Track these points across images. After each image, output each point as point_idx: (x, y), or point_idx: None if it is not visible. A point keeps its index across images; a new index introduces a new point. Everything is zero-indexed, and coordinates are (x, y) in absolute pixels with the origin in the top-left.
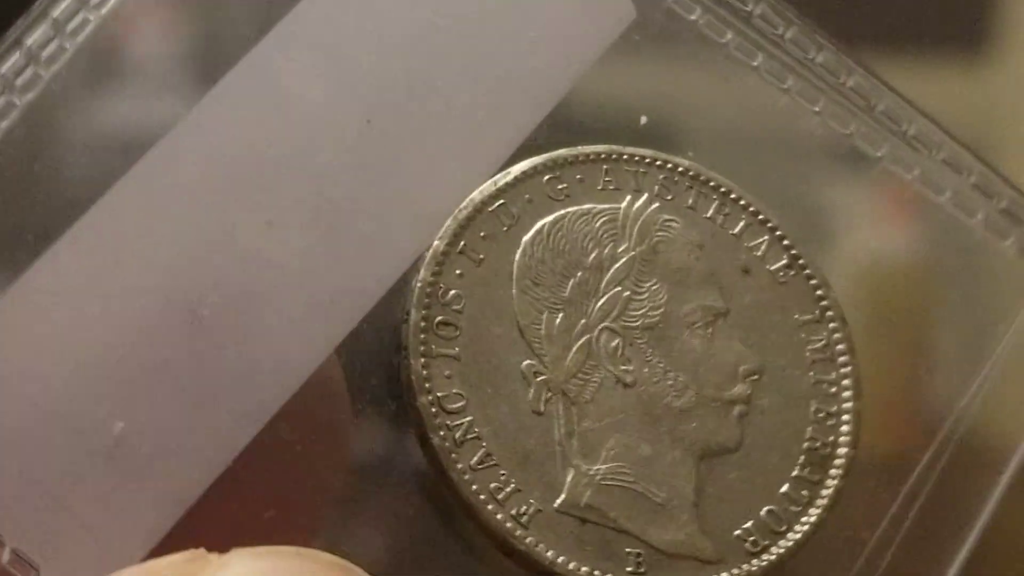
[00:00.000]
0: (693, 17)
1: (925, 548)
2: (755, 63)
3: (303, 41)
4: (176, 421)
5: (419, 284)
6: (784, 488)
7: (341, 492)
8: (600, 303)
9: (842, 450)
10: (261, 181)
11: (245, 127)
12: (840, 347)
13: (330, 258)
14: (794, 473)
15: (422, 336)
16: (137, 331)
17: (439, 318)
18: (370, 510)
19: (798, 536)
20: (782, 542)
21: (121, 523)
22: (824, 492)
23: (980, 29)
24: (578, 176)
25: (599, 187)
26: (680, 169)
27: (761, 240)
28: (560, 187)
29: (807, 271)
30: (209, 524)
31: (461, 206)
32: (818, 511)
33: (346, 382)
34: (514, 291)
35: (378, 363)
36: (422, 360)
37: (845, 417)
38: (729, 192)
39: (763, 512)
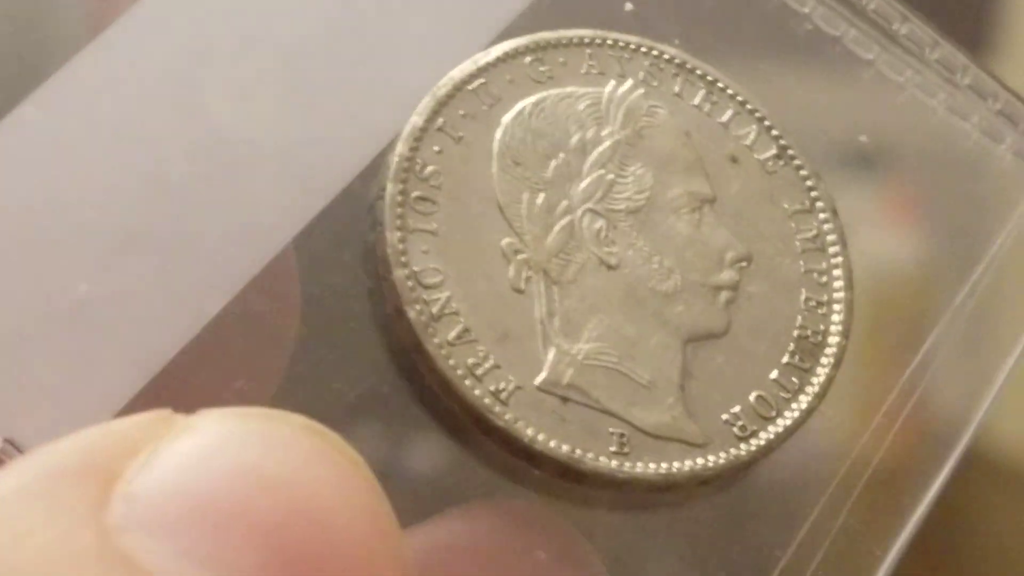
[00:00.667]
0: None
1: (920, 444)
2: None
3: None
4: (143, 286)
5: (396, 158)
6: (773, 375)
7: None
8: (583, 185)
9: (833, 339)
10: (233, 53)
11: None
12: (831, 237)
13: (304, 133)
14: (784, 360)
15: (399, 210)
16: (103, 194)
17: (416, 193)
18: (343, 387)
19: (787, 423)
20: (771, 427)
21: (83, 386)
22: (814, 380)
23: (982, 30)
24: (561, 59)
25: (583, 71)
26: (666, 56)
27: (749, 130)
28: (542, 69)
29: (796, 161)
30: (176, 392)
31: (440, 83)
32: (808, 398)
33: (314, 259)
34: (494, 169)
35: (352, 240)
36: (398, 234)
37: (836, 307)
38: (716, 81)
39: (752, 398)
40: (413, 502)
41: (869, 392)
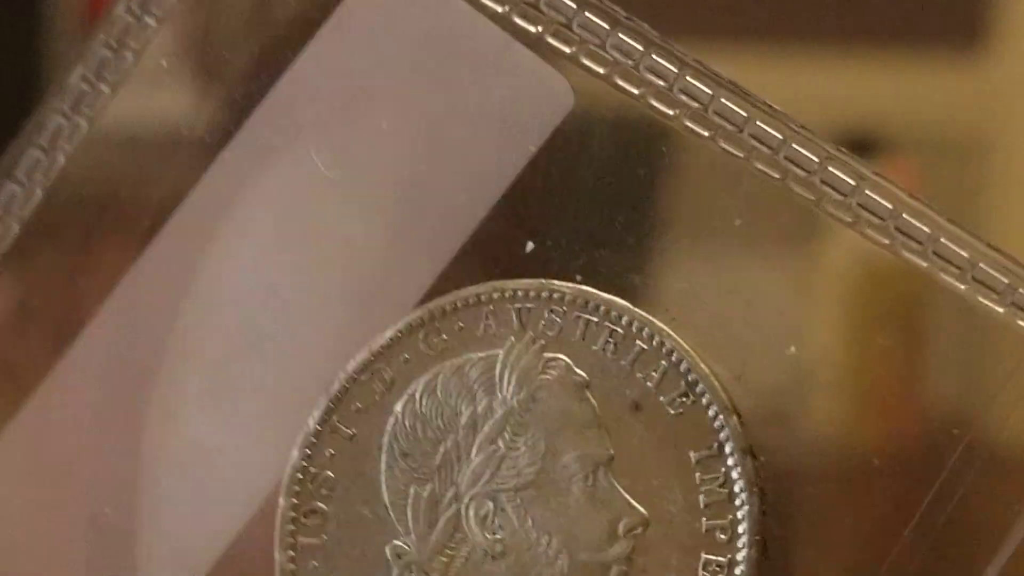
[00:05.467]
0: None
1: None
2: None
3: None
4: None
5: (289, 469)
6: None
7: None
8: (472, 467)
9: None
10: (165, 374)
11: (142, 330)
12: (738, 485)
13: (229, 442)
14: None
15: (289, 527)
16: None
17: (307, 507)
18: None
19: None
20: None
21: None
22: None
23: (976, 24)
24: (459, 325)
25: (479, 333)
26: (568, 298)
27: (656, 367)
28: (437, 340)
29: (705, 398)
30: None
31: (335, 379)
32: None
33: None
34: (382, 466)
35: None
36: (288, 553)
37: (738, 571)
38: (620, 316)
39: None
40: None
41: None
